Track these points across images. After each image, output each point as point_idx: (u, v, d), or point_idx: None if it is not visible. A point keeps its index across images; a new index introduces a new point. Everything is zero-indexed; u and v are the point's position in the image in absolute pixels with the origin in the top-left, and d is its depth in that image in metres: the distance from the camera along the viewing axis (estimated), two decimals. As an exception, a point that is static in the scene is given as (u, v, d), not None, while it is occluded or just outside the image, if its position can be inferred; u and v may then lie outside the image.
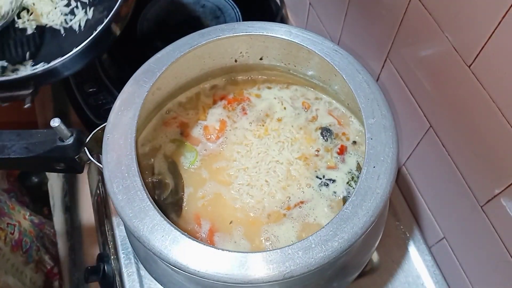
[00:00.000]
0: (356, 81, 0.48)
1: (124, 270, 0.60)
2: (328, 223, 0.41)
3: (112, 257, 0.63)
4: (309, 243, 0.40)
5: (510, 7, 0.37)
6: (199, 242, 0.40)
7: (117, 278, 0.61)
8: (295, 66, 0.57)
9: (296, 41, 0.51)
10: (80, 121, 0.78)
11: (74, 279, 0.71)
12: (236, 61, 0.57)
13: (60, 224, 0.75)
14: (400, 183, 0.69)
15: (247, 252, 0.40)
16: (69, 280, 0.71)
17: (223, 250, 0.40)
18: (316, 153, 0.54)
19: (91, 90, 0.78)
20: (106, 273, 0.63)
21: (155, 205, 0.42)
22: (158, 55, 0.52)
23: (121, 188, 0.43)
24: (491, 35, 0.40)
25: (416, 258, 0.65)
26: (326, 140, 0.55)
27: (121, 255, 0.61)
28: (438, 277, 0.63)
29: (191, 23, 0.84)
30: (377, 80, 0.65)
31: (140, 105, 0.48)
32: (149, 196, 0.43)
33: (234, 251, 0.40)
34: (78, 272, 0.71)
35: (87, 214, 0.75)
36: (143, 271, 0.59)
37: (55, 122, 0.43)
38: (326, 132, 0.56)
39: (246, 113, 0.58)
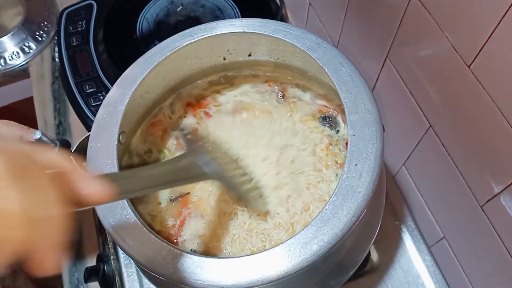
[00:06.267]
0: (339, 74, 0.47)
1: (124, 270, 0.60)
2: (307, 225, 0.40)
3: (111, 257, 0.63)
4: (288, 247, 0.39)
5: (509, 7, 0.37)
6: (178, 249, 0.40)
7: (117, 278, 0.61)
8: (284, 60, 0.56)
9: (279, 36, 0.50)
10: (80, 121, 0.78)
11: (74, 279, 0.71)
12: (224, 59, 0.57)
13: (60, 224, 0.75)
14: (400, 183, 0.69)
15: (225, 258, 0.40)
16: (69, 280, 0.71)
17: (200, 256, 0.40)
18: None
19: (90, 90, 0.78)
20: (106, 273, 0.63)
21: (136, 213, 0.42)
22: (140, 59, 0.51)
23: None
24: (490, 35, 0.40)
25: (416, 258, 0.65)
26: (331, 128, 0.53)
27: (121, 255, 0.61)
28: (438, 277, 0.63)
29: (191, 23, 0.84)
30: (376, 80, 0.65)
31: (123, 111, 0.47)
32: (130, 204, 0.43)
33: (211, 257, 0.40)
34: (78, 272, 0.71)
35: (87, 214, 0.75)
36: (141, 272, 0.59)
37: (36, 135, 0.43)
38: (327, 119, 0.53)
39: (211, 115, 0.56)
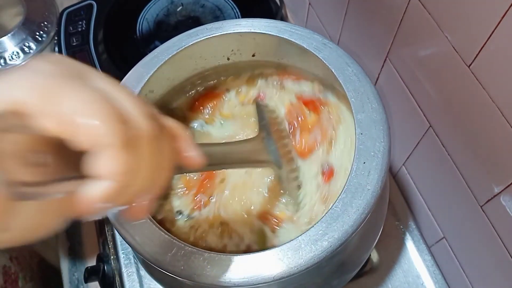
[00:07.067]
0: (345, 74, 0.47)
1: (124, 270, 0.60)
2: (317, 222, 0.40)
3: (112, 257, 0.63)
4: (299, 243, 0.39)
5: (510, 7, 0.37)
6: (189, 246, 0.40)
7: (117, 278, 0.61)
8: (288, 61, 0.56)
9: (285, 37, 0.50)
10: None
11: (74, 279, 0.71)
12: (228, 59, 0.57)
13: (60, 224, 0.75)
14: (400, 183, 0.69)
15: (236, 255, 0.40)
16: (69, 280, 0.71)
17: (211, 253, 0.40)
18: None
19: (90, 90, 0.78)
20: (106, 273, 0.63)
21: None
22: (146, 58, 0.51)
23: None
24: (490, 35, 0.40)
25: (416, 258, 0.65)
26: None
27: (121, 255, 0.61)
28: (438, 277, 0.63)
29: (191, 23, 0.84)
30: (376, 80, 0.65)
31: None
32: None
33: (222, 254, 0.40)
34: (78, 272, 0.71)
35: (87, 214, 0.74)
36: (143, 271, 0.59)
37: None
38: None
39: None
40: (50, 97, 0.22)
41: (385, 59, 0.60)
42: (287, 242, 0.39)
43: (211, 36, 0.52)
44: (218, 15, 0.84)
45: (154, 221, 0.42)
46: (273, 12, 0.85)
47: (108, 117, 0.23)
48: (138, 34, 0.84)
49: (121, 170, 0.24)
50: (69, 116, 0.22)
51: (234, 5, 0.85)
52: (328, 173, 0.51)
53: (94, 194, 0.24)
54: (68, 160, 0.25)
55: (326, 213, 0.40)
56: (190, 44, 0.52)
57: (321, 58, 0.49)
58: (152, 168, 0.26)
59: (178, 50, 0.51)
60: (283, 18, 0.87)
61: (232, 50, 0.56)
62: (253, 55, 0.57)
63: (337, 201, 0.41)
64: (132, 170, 0.24)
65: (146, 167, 0.25)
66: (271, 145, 0.49)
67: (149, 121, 0.26)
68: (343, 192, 0.41)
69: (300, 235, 0.40)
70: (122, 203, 0.26)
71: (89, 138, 0.23)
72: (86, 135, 0.23)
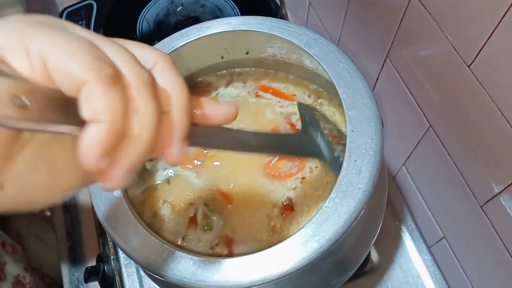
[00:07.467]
0: (336, 70, 0.46)
1: (123, 270, 0.60)
2: (307, 223, 0.39)
3: (112, 257, 0.63)
4: (289, 245, 0.39)
5: (510, 7, 0.37)
6: (179, 250, 0.40)
7: (117, 278, 0.61)
8: (282, 57, 0.55)
9: (275, 33, 0.50)
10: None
11: (74, 279, 0.71)
12: (222, 57, 0.57)
13: (60, 224, 0.75)
14: (400, 183, 0.69)
15: (226, 258, 0.40)
16: (69, 280, 0.71)
17: (200, 256, 0.40)
18: None
19: (90, 90, 0.78)
20: (106, 273, 0.63)
21: (137, 217, 0.42)
22: None
23: (103, 200, 0.43)
24: (490, 35, 0.40)
25: (416, 258, 0.65)
26: None
27: (121, 255, 0.61)
28: (438, 277, 0.63)
29: (191, 23, 0.84)
30: (376, 80, 0.65)
31: None
32: (131, 207, 0.43)
33: (213, 258, 0.40)
34: (78, 272, 0.71)
35: (87, 214, 0.75)
36: (142, 271, 0.59)
37: None
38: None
39: None
40: (26, 42, 0.22)
41: (385, 59, 0.60)
42: (277, 244, 0.39)
43: (201, 36, 0.52)
44: (218, 15, 0.84)
45: (145, 225, 0.42)
46: (273, 12, 0.85)
47: (82, 56, 0.22)
48: (138, 34, 0.84)
49: (104, 106, 0.22)
50: (41, 60, 0.22)
51: (234, 5, 0.85)
52: (288, 209, 0.49)
53: (89, 139, 0.22)
54: (64, 109, 0.23)
55: (316, 213, 0.40)
56: (181, 44, 0.51)
57: (311, 53, 0.48)
58: (152, 113, 0.24)
59: (169, 51, 0.51)
60: (283, 18, 0.87)
61: (226, 49, 0.56)
62: (247, 53, 0.56)
63: (327, 201, 0.40)
64: (118, 107, 0.22)
65: (144, 109, 0.23)
66: (319, 138, 0.45)
67: (137, 66, 0.24)
68: (333, 191, 0.40)
69: (291, 235, 0.39)
70: (137, 156, 0.24)
71: (66, 80, 0.22)
72: (63, 78, 0.22)
